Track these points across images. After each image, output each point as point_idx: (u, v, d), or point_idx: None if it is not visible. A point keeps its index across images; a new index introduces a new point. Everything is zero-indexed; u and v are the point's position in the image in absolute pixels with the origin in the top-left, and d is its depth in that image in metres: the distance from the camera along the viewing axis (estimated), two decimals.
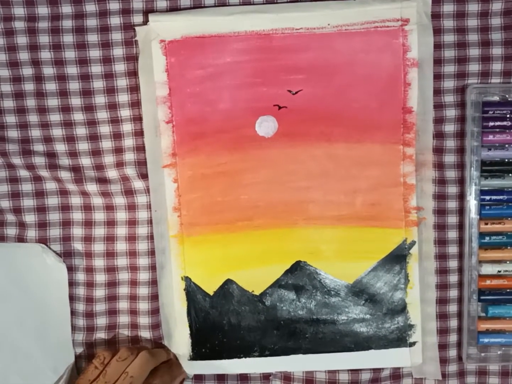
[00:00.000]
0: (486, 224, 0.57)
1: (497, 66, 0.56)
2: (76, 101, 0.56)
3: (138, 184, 0.57)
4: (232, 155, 0.56)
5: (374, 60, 0.55)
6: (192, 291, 0.58)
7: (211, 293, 0.58)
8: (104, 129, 0.57)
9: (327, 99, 0.55)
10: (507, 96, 0.56)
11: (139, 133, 0.57)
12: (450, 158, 0.57)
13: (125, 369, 0.53)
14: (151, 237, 0.57)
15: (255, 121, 0.56)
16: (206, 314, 0.58)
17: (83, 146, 0.57)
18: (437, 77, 0.56)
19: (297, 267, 0.58)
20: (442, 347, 0.59)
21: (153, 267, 0.58)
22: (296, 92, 0.55)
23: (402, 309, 0.58)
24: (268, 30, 0.54)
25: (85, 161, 0.57)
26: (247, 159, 0.56)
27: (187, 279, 0.58)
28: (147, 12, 0.55)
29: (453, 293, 0.59)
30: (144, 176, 0.57)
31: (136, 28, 0.55)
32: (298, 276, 0.58)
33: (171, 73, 0.55)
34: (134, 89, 0.56)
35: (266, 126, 0.56)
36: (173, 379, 0.57)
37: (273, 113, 0.56)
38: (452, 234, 0.58)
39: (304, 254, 0.58)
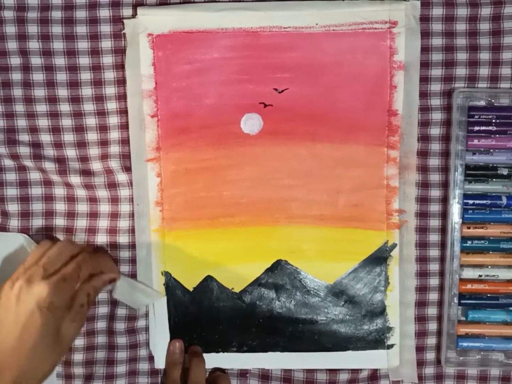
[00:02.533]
0: (469, 228, 0.57)
1: (484, 71, 0.56)
2: (63, 92, 0.56)
3: (121, 177, 0.57)
4: (216, 151, 0.56)
5: (361, 62, 0.55)
6: (171, 286, 0.58)
7: (191, 289, 0.58)
8: (90, 121, 0.57)
9: (313, 99, 0.55)
10: (493, 101, 0.56)
11: (124, 126, 0.57)
12: (434, 162, 0.57)
13: (44, 253, 0.52)
14: (132, 231, 0.57)
15: (240, 118, 0.56)
16: (185, 309, 0.59)
17: (68, 137, 0.57)
18: (424, 80, 0.56)
19: (278, 266, 0.58)
20: (420, 349, 0.59)
21: (133, 261, 0.58)
22: (282, 91, 0.55)
23: (381, 311, 0.58)
24: (256, 27, 0.54)
25: (70, 153, 0.57)
26: (231, 156, 0.56)
27: (167, 274, 0.58)
28: (137, 5, 0.55)
29: (433, 296, 0.59)
30: (127, 169, 0.57)
31: (125, 21, 0.55)
32: (279, 275, 0.58)
33: (157, 67, 0.55)
34: (121, 82, 0.56)
35: (251, 123, 0.56)
36: (99, 270, 0.53)
37: (259, 110, 0.56)
38: (434, 238, 0.58)
39: (285, 253, 0.58)
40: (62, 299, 0.49)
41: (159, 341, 0.59)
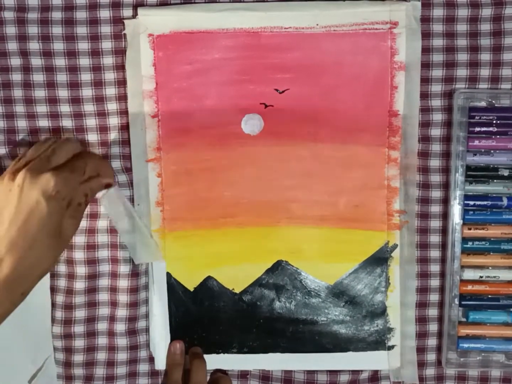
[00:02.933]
0: (469, 229, 0.57)
1: (485, 72, 0.56)
2: (63, 93, 0.56)
3: (122, 177, 0.57)
4: (217, 152, 0.56)
5: (362, 62, 0.55)
6: (172, 286, 0.58)
7: (191, 289, 0.58)
8: (91, 122, 0.57)
9: (314, 99, 0.55)
10: (494, 102, 0.56)
11: (125, 127, 0.57)
12: (435, 162, 0.57)
13: (48, 147, 0.50)
14: None
15: (241, 118, 0.56)
16: (186, 309, 0.58)
17: None
18: (425, 81, 0.56)
19: (278, 267, 0.58)
20: (421, 350, 0.59)
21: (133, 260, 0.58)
22: (283, 91, 0.55)
23: (382, 312, 0.58)
24: (257, 28, 0.54)
25: None
26: (232, 156, 0.56)
27: (167, 274, 0.58)
28: (137, 5, 0.55)
29: (434, 297, 0.59)
30: (128, 169, 0.57)
31: (125, 21, 0.55)
32: (279, 276, 0.58)
33: (158, 68, 0.55)
34: (122, 82, 0.56)
35: (252, 124, 0.56)
36: (97, 173, 0.52)
37: (259, 111, 0.56)
38: (435, 239, 0.58)
39: (286, 254, 0.58)
40: (68, 190, 0.48)
41: (159, 342, 0.59)
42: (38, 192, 0.46)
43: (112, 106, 0.56)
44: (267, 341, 0.59)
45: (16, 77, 0.56)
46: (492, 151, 0.56)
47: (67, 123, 0.57)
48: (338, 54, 0.54)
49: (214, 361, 0.59)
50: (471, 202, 0.57)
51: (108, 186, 0.54)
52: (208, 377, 0.59)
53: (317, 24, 0.54)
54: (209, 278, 0.58)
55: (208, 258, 0.58)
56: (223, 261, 0.58)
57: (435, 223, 0.58)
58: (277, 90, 0.55)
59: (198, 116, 0.56)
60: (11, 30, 0.55)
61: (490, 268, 0.58)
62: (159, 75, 0.55)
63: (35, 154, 0.50)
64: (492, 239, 0.57)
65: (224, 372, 0.60)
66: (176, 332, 0.59)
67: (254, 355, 0.59)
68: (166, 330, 0.59)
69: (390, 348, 0.59)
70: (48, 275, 0.58)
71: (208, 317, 0.58)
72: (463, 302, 0.58)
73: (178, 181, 0.57)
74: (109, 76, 0.56)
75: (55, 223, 0.47)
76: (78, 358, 0.60)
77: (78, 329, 0.59)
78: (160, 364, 0.59)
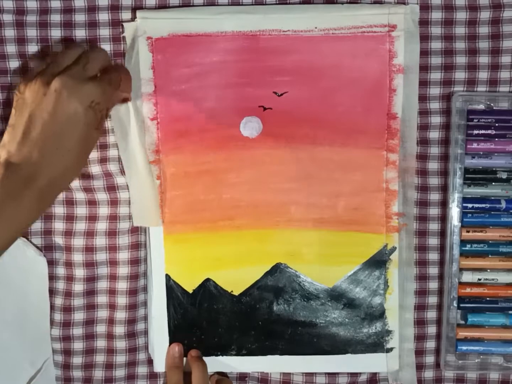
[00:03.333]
0: (468, 232, 0.57)
1: (483, 75, 0.56)
2: None
3: (120, 180, 0.57)
4: (215, 155, 0.56)
5: (360, 65, 0.55)
6: (171, 288, 0.58)
7: (190, 291, 0.58)
8: None
9: (313, 102, 0.55)
10: (492, 104, 0.56)
11: None
12: (433, 165, 0.57)
13: (82, 55, 0.49)
14: (131, 231, 0.57)
15: (239, 121, 0.56)
16: (185, 311, 0.58)
17: None
18: (423, 83, 0.56)
19: (277, 269, 0.58)
20: (419, 353, 0.59)
21: (132, 262, 0.58)
22: (282, 94, 0.55)
23: (380, 314, 0.58)
24: (255, 31, 0.54)
25: None
26: (231, 159, 0.56)
27: (166, 277, 0.58)
28: (136, 9, 0.55)
29: (432, 299, 0.59)
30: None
31: (124, 24, 0.55)
32: (278, 278, 0.58)
33: (157, 71, 0.55)
34: None
35: (250, 126, 0.56)
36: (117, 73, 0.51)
37: (258, 114, 0.56)
38: (433, 241, 0.58)
39: (285, 256, 0.58)
40: (105, 102, 0.47)
41: (158, 345, 0.59)
42: (78, 102, 0.46)
43: None
44: (265, 343, 0.59)
45: (15, 80, 0.56)
46: (490, 154, 0.56)
47: None
48: (336, 57, 0.55)
49: (212, 363, 0.59)
50: (470, 205, 0.57)
51: (125, 100, 0.54)
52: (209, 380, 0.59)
53: (316, 27, 0.54)
54: (208, 280, 0.58)
55: (207, 261, 0.58)
56: (222, 263, 0.58)
57: (434, 226, 0.58)
58: (275, 93, 0.55)
59: (197, 119, 0.56)
60: (10, 32, 0.55)
61: (488, 270, 0.58)
62: (158, 78, 0.55)
63: (69, 61, 0.48)
64: (490, 241, 0.57)
65: (224, 374, 0.60)
66: (175, 334, 0.59)
67: (252, 358, 0.59)
68: (165, 333, 0.59)
69: (389, 350, 0.59)
70: (46, 278, 0.58)
71: (207, 319, 0.59)
72: (461, 305, 0.58)
73: (177, 183, 0.57)
74: None
75: (89, 134, 0.47)
76: (77, 360, 0.60)
77: (77, 331, 0.59)
78: (159, 366, 0.59)
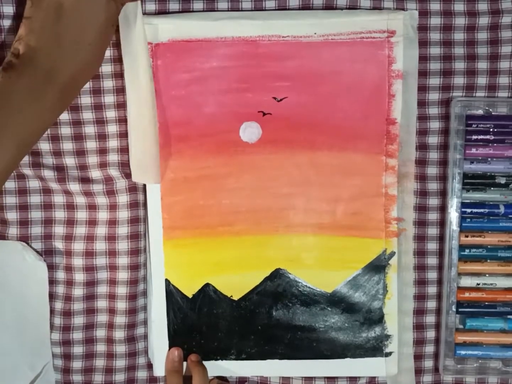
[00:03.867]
0: (467, 236, 0.57)
1: (482, 80, 0.56)
2: None
3: (120, 184, 0.57)
4: (215, 160, 0.56)
5: (359, 71, 0.55)
6: (171, 293, 0.58)
7: (190, 296, 0.58)
8: (89, 129, 0.57)
9: (312, 108, 0.55)
10: (491, 110, 0.56)
11: (123, 135, 0.57)
12: (432, 170, 0.57)
13: None
14: (131, 237, 0.57)
15: (239, 126, 0.56)
16: (184, 316, 0.59)
17: (67, 145, 0.57)
18: (422, 89, 0.56)
19: (277, 275, 0.58)
20: (418, 357, 0.59)
21: (131, 267, 0.58)
22: (281, 100, 0.56)
23: (379, 319, 0.58)
24: (255, 36, 0.54)
25: (69, 161, 0.57)
26: (230, 164, 0.56)
27: (166, 281, 0.58)
28: None
29: (431, 304, 0.59)
30: (127, 176, 0.57)
31: None
32: (277, 284, 0.58)
33: (157, 76, 0.55)
34: (121, 90, 0.56)
35: (250, 132, 0.56)
36: None
37: (258, 119, 0.56)
38: (432, 246, 0.58)
39: (284, 262, 0.58)
40: None
41: (158, 349, 0.59)
42: None
43: (110, 113, 0.56)
44: (265, 348, 0.59)
45: None
46: (489, 159, 0.57)
47: (65, 130, 0.57)
48: (336, 62, 0.55)
49: (212, 367, 0.59)
50: (468, 210, 0.57)
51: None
52: None
53: (315, 33, 0.54)
54: (207, 285, 0.58)
55: (206, 266, 0.58)
56: (221, 268, 0.58)
57: (433, 231, 0.58)
58: (275, 98, 0.56)
59: (197, 124, 0.56)
60: (10, 38, 0.55)
61: (487, 275, 0.58)
62: (158, 83, 0.55)
63: None
64: (489, 246, 0.58)
65: (224, 378, 0.60)
66: (174, 339, 0.59)
67: (252, 362, 0.59)
68: (164, 337, 0.59)
69: (388, 355, 0.59)
70: (46, 282, 0.58)
71: (206, 324, 0.59)
72: (460, 309, 0.58)
73: (177, 189, 0.57)
74: (108, 84, 0.56)
75: (107, 29, 0.46)
76: (77, 364, 0.60)
77: (77, 335, 0.60)
78: (159, 370, 0.60)
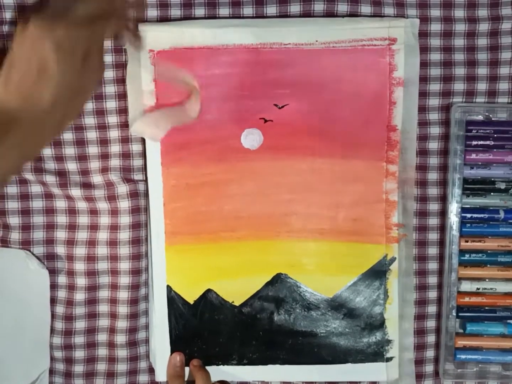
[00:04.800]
0: (467, 241, 0.58)
1: (482, 86, 0.56)
2: None
3: (121, 189, 0.57)
4: (217, 166, 0.57)
5: (361, 78, 0.55)
6: (172, 299, 0.58)
7: (191, 302, 0.59)
8: (91, 134, 0.57)
9: (313, 115, 0.56)
10: (491, 115, 0.56)
11: (125, 140, 0.57)
12: (432, 176, 0.58)
13: None
14: (132, 242, 0.58)
15: (240, 133, 0.56)
16: (186, 322, 0.59)
17: (69, 151, 0.57)
18: (423, 94, 0.56)
19: (278, 280, 0.58)
20: (419, 362, 0.60)
21: (133, 272, 0.58)
22: (282, 106, 0.56)
23: (380, 324, 0.59)
24: (257, 44, 0.54)
25: (71, 166, 0.57)
26: (232, 171, 0.57)
27: (168, 288, 0.58)
28: (138, 21, 0.55)
29: (432, 309, 0.59)
30: (128, 181, 0.57)
31: None
32: (279, 289, 0.58)
33: (159, 83, 0.55)
34: (122, 96, 0.56)
35: (251, 138, 0.56)
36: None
37: (259, 126, 0.56)
38: (432, 251, 0.59)
39: (285, 267, 0.58)
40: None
41: (160, 354, 0.59)
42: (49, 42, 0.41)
43: (112, 119, 0.57)
44: (266, 353, 0.59)
45: None
46: (489, 164, 0.57)
47: (67, 135, 0.57)
48: (337, 70, 0.55)
49: (214, 373, 0.59)
50: (468, 215, 0.57)
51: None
52: None
53: (317, 41, 0.54)
54: (209, 291, 0.58)
55: (208, 272, 0.58)
56: (223, 274, 0.58)
57: (433, 236, 0.58)
58: (276, 105, 0.56)
59: (198, 131, 0.56)
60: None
61: (487, 280, 0.58)
62: (160, 90, 0.55)
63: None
64: (489, 251, 0.58)
65: (227, 383, 0.60)
66: (176, 344, 0.59)
67: (253, 367, 0.59)
68: (166, 342, 0.59)
69: (389, 359, 0.59)
70: (48, 291, 0.58)
71: (208, 330, 0.59)
72: (460, 314, 0.58)
73: (178, 195, 0.57)
74: (110, 89, 0.56)
75: (69, 83, 0.43)
76: (78, 368, 0.60)
77: (78, 340, 0.60)
78: (160, 375, 0.60)
